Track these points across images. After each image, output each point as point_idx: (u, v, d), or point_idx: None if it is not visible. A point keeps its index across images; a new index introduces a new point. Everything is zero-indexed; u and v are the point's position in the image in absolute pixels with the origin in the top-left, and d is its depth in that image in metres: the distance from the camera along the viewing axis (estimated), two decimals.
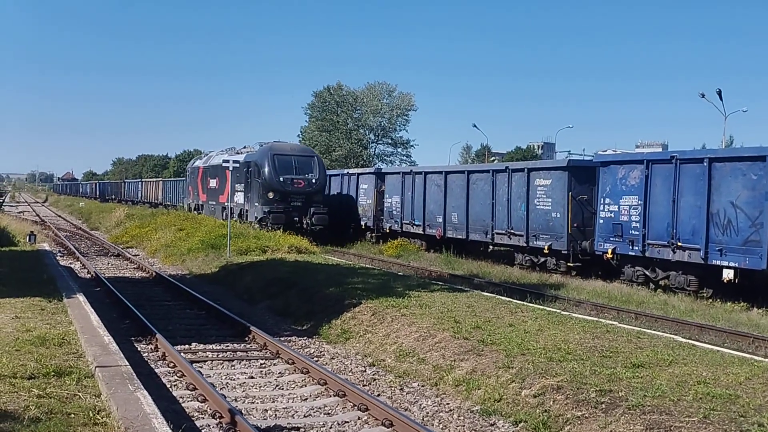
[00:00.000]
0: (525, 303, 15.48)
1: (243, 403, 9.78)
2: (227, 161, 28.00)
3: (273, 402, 9.87)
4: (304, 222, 33.22)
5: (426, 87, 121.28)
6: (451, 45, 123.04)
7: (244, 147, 38.73)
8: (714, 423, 7.60)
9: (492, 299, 15.69)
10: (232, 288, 20.50)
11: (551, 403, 8.92)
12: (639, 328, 12.89)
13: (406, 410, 9.64)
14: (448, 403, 9.89)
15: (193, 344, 13.23)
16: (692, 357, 10.24)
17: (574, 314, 13.98)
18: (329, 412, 9.48)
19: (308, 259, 23.83)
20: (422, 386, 10.73)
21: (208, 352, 12.71)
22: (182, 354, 12.02)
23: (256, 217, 33.86)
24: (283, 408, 9.58)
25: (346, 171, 41.25)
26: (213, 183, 40.22)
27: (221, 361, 12.05)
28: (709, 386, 8.68)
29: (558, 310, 14.43)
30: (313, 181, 34.23)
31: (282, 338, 13.86)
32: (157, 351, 12.46)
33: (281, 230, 31.03)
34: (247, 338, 13.75)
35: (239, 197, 35.89)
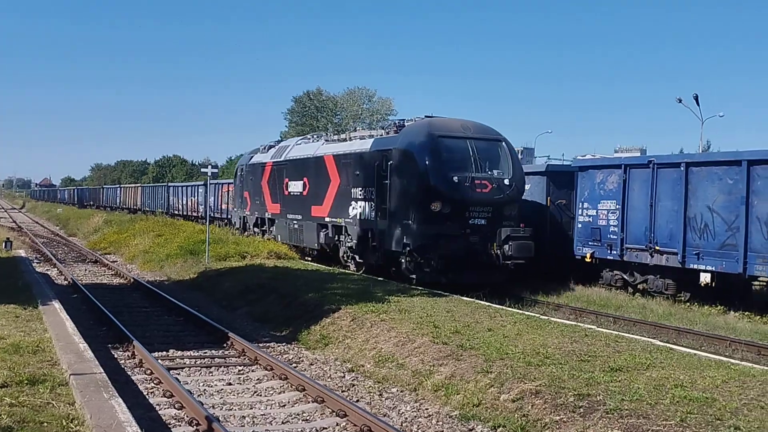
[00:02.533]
0: (504, 307, 15.52)
1: (220, 410, 9.69)
2: (335, 151, 21.87)
3: (251, 409, 9.79)
4: (492, 251, 19.18)
5: (404, 92, 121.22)
6: (429, 50, 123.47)
7: (355, 130, 25.53)
8: (691, 426, 7.63)
9: (471, 304, 15.70)
10: (210, 294, 20.37)
11: (530, 407, 8.92)
12: (617, 332, 12.98)
13: (384, 416, 9.60)
14: (426, 409, 9.86)
15: (171, 351, 13.11)
16: (669, 360, 10.30)
17: (552, 318, 14.01)
18: (307, 418, 9.43)
19: (288, 265, 23.73)
20: (401, 391, 10.69)
21: (185, 359, 12.61)
22: (159, 361, 11.91)
23: (406, 245, 19.37)
24: (261, 415, 9.50)
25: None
26: (296, 187, 25.97)
27: (199, 368, 11.96)
28: (686, 390, 8.73)
29: (537, 315, 14.46)
30: (506, 182, 19.67)
31: (260, 344, 13.78)
32: (134, 358, 12.34)
33: (454, 271, 19.24)
34: (225, 344, 13.65)
35: (359, 209, 21.38)
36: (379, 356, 12.22)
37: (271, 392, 10.64)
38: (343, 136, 24.91)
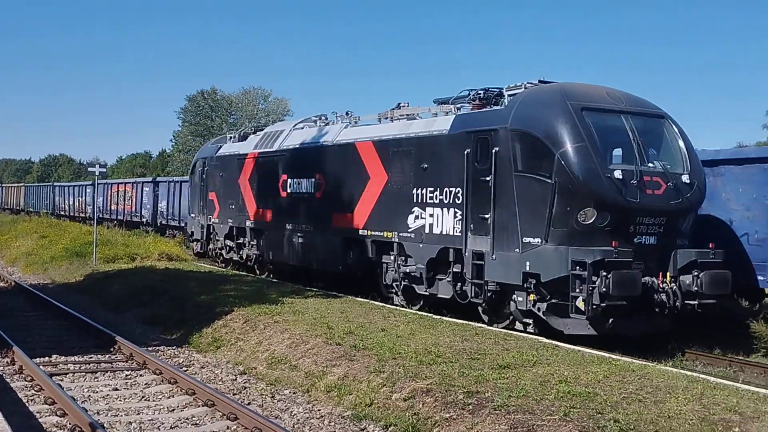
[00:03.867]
0: (397, 308, 15.65)
1: (106, 416, 9.40)
2: (377, 135, 16.71)
3: (138, 414, 9.53)
4: (664, 285, 12.78)
5: (302, 92, 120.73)
6: (327, 50, 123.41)
7: (399, 107, 17.52)
8: (573, 420, 7.86)
9: (366, 305, 15.74)
10: (98, 297, 19.73)
11: (421, 405, 9.00)
12: (506, 330, 13.29)
13: (276, 418, 9.53)
14: (319, 410, 9.84)
15: (54, 356, 12.64)
16: (555, 357, 10.60)
17: (445, 318, 14.19)
18: (197, 422, 9.26)
19: (180, 267, 23.25)
20: (294, 393, 10.64)
21: (69, 365, 12.18)
22: (41, 367, 11.46)
23: (529, 276, 13.05)
24: (149, 420, 9.26)
25: None
26: (300, 186, 19.54)
27: (84, 374, 11.56)
28: (570, 385, 8.99)
29: (430, 315, 14.60)
30: (684, 180, 13.28)
31: (150, 348, 13.44)
32: (14, 364, 11.83)
33: (618, 317, 12.51)
34: (112, 349, 13.26)
35: (427, 219, 15.22)
36: (272, 358, 12.12)
37: (159, 397, 10.38)
38: (385, 113, 17.68)
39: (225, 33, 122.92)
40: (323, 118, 20.42)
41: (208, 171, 24.74)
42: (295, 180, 19.81)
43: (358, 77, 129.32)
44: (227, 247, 23.41)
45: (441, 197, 14.81)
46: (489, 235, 13.54)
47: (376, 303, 16.23)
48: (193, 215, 26.23)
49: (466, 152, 14.13)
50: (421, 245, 15.24)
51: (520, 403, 8.46)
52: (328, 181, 18.40)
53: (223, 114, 71.45)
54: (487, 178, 13.61)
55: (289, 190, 19.97)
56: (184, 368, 12.11)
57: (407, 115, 16.92)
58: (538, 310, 12.91)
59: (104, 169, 27.94)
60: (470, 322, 13.71)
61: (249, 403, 10.11)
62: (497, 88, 14.97)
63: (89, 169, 27.59)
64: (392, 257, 16.09)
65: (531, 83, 14.15)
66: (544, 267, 12.59)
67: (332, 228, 18.06)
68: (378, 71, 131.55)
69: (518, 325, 13.68)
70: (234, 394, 10.58)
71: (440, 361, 10.33)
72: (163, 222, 38.70)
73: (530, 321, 13.39)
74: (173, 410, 9.73)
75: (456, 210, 14.41)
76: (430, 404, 8.95)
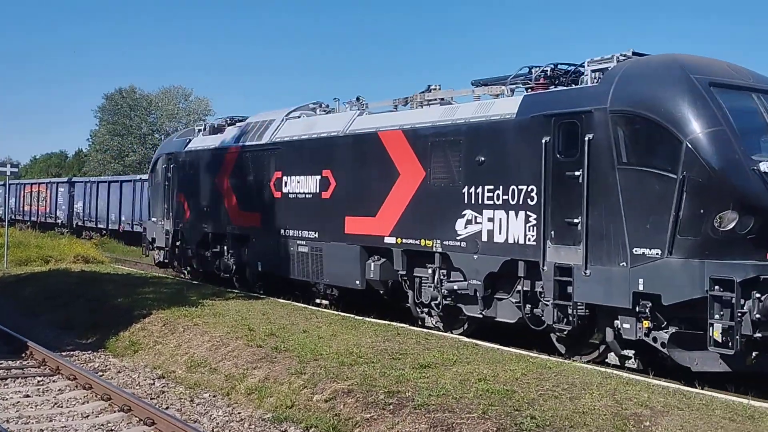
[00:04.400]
0: (320, 309, 15.60)
1: (16, 424, 9.09)
2: (408, 122, 14.16)
3: (50, 421, 9.26)
4: None
5: (223, 91, 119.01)
6: (248, 49, 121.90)
7: (429, 90, 14.96)
8: (492, 418, 7.98)
9: (287, 306, 15.64)
10: (8, 301, 19.06)
11: (342, 406, 9.02)
12: (428, 330, 13.34)
13: (195, 422, 9.39)
14: (239, 413, 9.76)
15: None
16: (475, 356, 10.73)
17: (367, 318, 14.19)
18: (112, 428, 9.05)
19: (97, 269, 22.68)
20: (214, 396, 10.50)
21: None
22: None
23: (641, 297, 10.42)
24: (62, 427, 9.01)
25: None
26: (302, 185, 16.79)
27: None
28: (489, 383, 9.11)
29: (352, 315, 14.58)
30: None
31: (63, 353, 13.06)
32: None
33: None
34: (23, 354, 12.85)
35: (484, 224, 12.65)
36: (191, 361, 11.95)
37: (73, 403, 10.11)
38: (409, 98, 15.20)
39: (143, 31, 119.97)
40: (323, 105, 18.09)
41: (175, 168, 21.66)
42: (293, 178, 16.91)
43: (282, 76, 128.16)
44: (199, 257, 20.57)
45: (505, 197, 12.20)
46: (579, 244, 11.00)
47: (298, 304, 16.02)
48: (154, 219, 23.04)
49: (543, 141, 11.55)
50: (475, 256, 12.59)
51: (440, 401, 8.53)
52: (339, 179, 15.59)
53: (142, 113, 70.19)
54: (576, 173, 11.09)
55: (285, 190, 17.09)
56: (100, 373, 11.82)
57: (440, 99, 14.46)
58: (654, 340, 10.32)
59: (16, 169, 26.71)
60: (392, 323, 13.71)
61: (167, 408, 9.94)
62: (569, 64, 12.78)
63: (0, 169, 26.28)
64: (430, 271, 13.53)
65: (624, 55, 11.64)
66: (667, 286, 10.05)
67: (345, 235, 15.26)
68: (301, 69, 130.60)
69: (611, 359, 11.62)
70: (151, 399, 10.38)
71: (362, 361, 10.34)
72: (80, 223, 37.72)
73: (631, 353, 11.26)
74: (87, 416, 9.49)
75: (528, 213, 11.80)
76: (351, 405, 8.96)
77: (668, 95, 10.52)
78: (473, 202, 12.73)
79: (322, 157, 16.01)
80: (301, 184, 16.69)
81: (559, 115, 11.52)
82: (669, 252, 10.05)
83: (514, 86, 13.09)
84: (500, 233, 12.26)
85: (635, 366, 11.16)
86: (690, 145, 10.07)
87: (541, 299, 11.67)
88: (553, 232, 11.46)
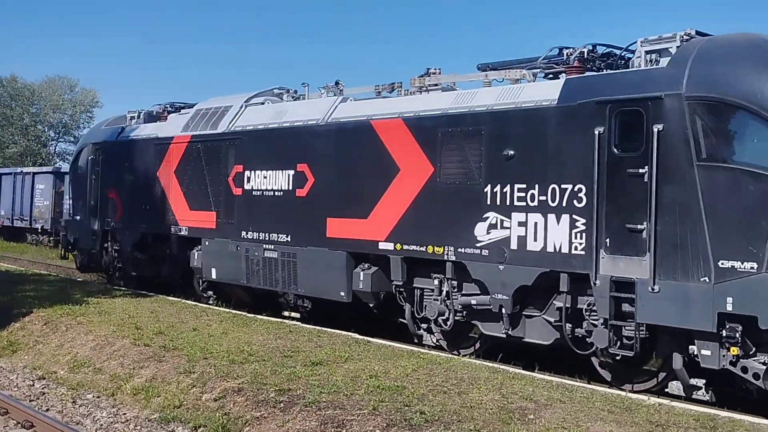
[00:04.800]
0: (211, 306, 15.40)
1: None
2: (412, 109, 12.59)
3: None
4: None
5: (111, 82, 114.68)
6: (136, 40, 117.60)
7: (426, 75, 13.48)
8: (382, 414, 8.09)
9: (177, 304, 15.40)
10: None
11: (232, 405, 8.95)
12: (321, 327, 13.23)
13: (77, 424, 9.15)
14: (125, 413, 9.56)
15: None
16: (366, 353, 10.83)
17: (259, 316, 14.09)
18: None
19: None
20: (98, 397, 10.24)
21: None
22: None
23: (742, 323, 8.92)
24: None
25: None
26: (269, 180, 15.04)
27: None
28: (380, 379, 9.22)
29: (244, 313, 14.44)
30: None
31: None
32: None
33: None
34: None
35: (512, 229, 11.08)
36: (74, 361, 11.63)
37: None
38: (413, 81, 13.53)
39: (24, 18, 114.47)
40: (291, 91, 16.44)
41: (105, 161, 19.42)
42: (258, 173, 15.00)
43: (171, 69, 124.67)
44: (135, 261, 18.66)
45: (543, 198, 10.68)
46: (644, 255, 9.61)
47: (188, 302, 15.75)
48: (78, 217, 20.55)
49: (596, 132, 10.11)
50: (501, 267, 11.04)
51: (331, 398, 8.59)
52: (319, 175, 13.83)
53: (24, 103, 67.30)
54: (640, 171, 9.71)
55: (247, 186, 15.19)
56: None
57: (442, 85, 13.08)
58: (744, 370, 8.98)
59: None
60: (284, 320, 13.65)
61: (47, 410, 9.66)
62: (607, 45, 11.54)
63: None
64: (437, 282, 12.13)
65: (687, 35, 10.24)
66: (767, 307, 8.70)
67: (328, 240, 13.50)
68: (184, 63, 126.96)
69: (673, 388, 10.29)
70: (31, 401, 10.07)
71: (252, 359, 10.28)
72: None
73: (701, 382, 9.84)
74: None
75: (574, 216, 10.32)
76: (241, 403, 8.91)
77: (765, 79, 9.11)
78: (499, 203, 11.15)
79: (297, 149, 14.21)
80: (269, 180, 14.79)
81: (618, 102, 10.03)
82: None
83: (536, 70, 11.84)
84: (535, 240, 10.70)
85: (707, 398, 9.79)
86: None
87: (587, 318, 10.29)
88: (608, 240, 9.94)
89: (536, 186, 10.73)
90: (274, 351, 10.81)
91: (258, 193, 14.98)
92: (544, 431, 7.59)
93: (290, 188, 14.28)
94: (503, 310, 10.99)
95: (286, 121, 14.68)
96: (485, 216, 11.28)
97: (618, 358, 9.99)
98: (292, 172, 14.31)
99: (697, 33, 10.30)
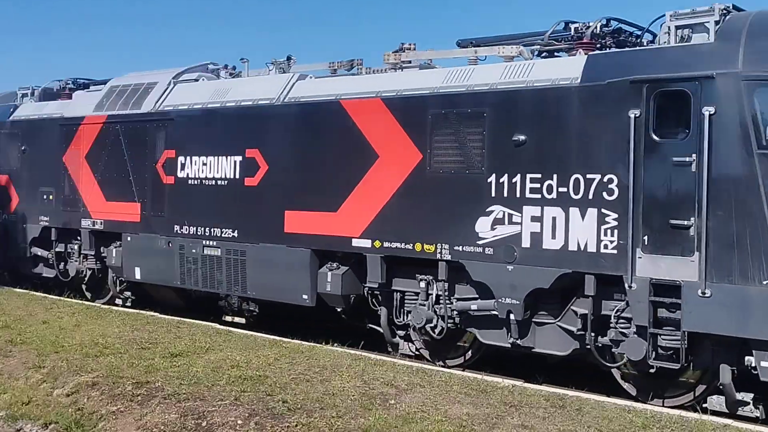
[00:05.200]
0: (63, 299, 16.83)
1: None
2: (393, 88, 13.30)
3: None
4: None
5: None
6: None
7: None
8: (244, 404, 9.56)
9: (25, 296, 16.82)
10: None
11: (85, 400, 10.21)
12: (180, 318, 14.91)
13: None
14: None
15: None
16: (228, 343, 12.53)
17: (114, 307, 15.74)
18: None
19: None
20: None
21: None
22: None
23: None
24: None
25: None
26: (209, 168, 15.59)
27: None
28: (242, 369, 10.87)
29: (99, 304, 16.01)
30: None
31: None
32: None
33: None
34: None
35: (526, 225, 11.72)
36: None
37: None
38: (387, 57, 14.36)
39: None
40: (228, 67, 17.52)
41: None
42: (195, 159, 15.74)
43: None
44: (34, 259, 19.47)
45: (563, 189, 11.39)
46: (693, 254, 10.33)
47: (37, 294, 17.46)
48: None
49: (631, 116, 10.84)
50: (510, 267, 11.82)
51: (192, 390, 10.03)
52: (273, 162, 14.58)
53: None
54: (687, 159, 10.41)
55: (182, 175, 15.94)
56: None
57: (419, 63, 14.14)
58: None
59: None
60: (142, 312, 15.59)
61: None
62: (619, 20, 12.50)
63: None
64: (424, 284, 12.90)
65: (725, 9, 10.96)
66: None
67: (286, 235, 14.34)
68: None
69: (713, 403, 11.10)
70: None
71: (108, 352, 11.71)
72: None
73: (749, 397, 10.69)
74: None
75: (604, 211, 11.04)
76: (96, 398, 10.19)
77: None
78: (506, 195, 11.88)
79: (245, 132, 15.06)
80: (210, 167, 15.51)
81: (658, 82, 10.72)
82: None
83: (531, 47, 12.82)
84: (553, 237, 11.41)
85: (757, 415, 10.56)
86: None
87: (616, 326, 11.09)
88: (647, 237, 10.65)
89: (554, 176, 11.46)
90: (130, 343, 12.26)
91: (195, 182, 15.75)
92: (404, 415, 9.13)
93: (237, 177, 15.08)
94: (511, 317, 11.76)
95: (230, 100, 15.55)
96: (489, 210, 12.00)
97: (652, 370, 10.78)
98: (239, 158, 15.07)
99: (734, 7, 11.11)
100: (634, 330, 10.76)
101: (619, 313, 10.97)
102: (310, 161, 14.09)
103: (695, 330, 10.21)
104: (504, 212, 11.79)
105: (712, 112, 10.14)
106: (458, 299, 12.50)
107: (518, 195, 11.71)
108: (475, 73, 12.67)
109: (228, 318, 16.48)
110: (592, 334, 11.17)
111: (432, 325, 12.75)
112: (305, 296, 13.99)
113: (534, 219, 11.53)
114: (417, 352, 13.41)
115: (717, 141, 10.07)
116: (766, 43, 10.23)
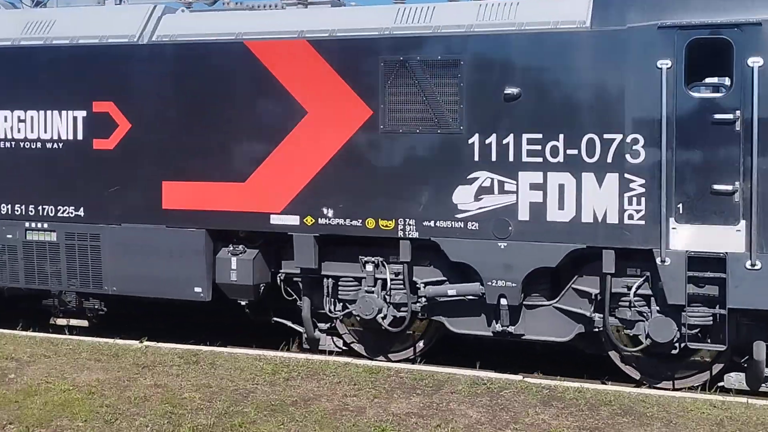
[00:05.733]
0: None
1: None
2: (327, 28, 11.13)
3: None
4: None
5: None
6: None
7: None
8: None
9: None
10: None
11: None
12: None
13: None
14: None
15: None
16: None
17: None
18: None
19: None
20: None
21: None
22: None
23: None
24: None
25: None
26: (29, 127, 12.43)
27: None
28: None
29: None
30: None
31: None
32: None
33: None
34: None
35: (545, 191, 10.30)
36: None
37: None
38: None
39: None
40: None
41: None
42: (7, 114, 12.50)
43: None
44: None
45: (572, 151, 10.07)
46: (738, 222, 9.61)
47: None
48: None
49: (662, 67, 9.72)
50: (503, 244, 10.38)
51: None
52: (138, 119, 11.89)
53: None
54: (729, 117, 9.57)
55: None
56: None
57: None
58: None
59: None
60: None
61: None
62: None
63: None
64: (370, 267, 11.18)
65: None
66: None
67: (165, 213, 11.84)
68: None
69: (732, 382, 10.36)
70: None
71: None
72: None
73: None
74: None
75: (628, 176, 9.90)
76: None
77: None
78: (495, 159, 10.33)
79: (91, 79, 12.02)
80: (32, 126, 12.31)
81: (694, 28, 9.66)
82: None
83: None
84: (562, 208, 10.09)
85: None
86: None
87: (634, 305, 10.09)
88: (681, 206, 9.68)
89: (560, 136, 10.06)
90: None
91: (6, 145, 12.42)
92: (26, 389, 9.02)
93: (80, 138, 12.04)
94: (503, 302, 10.41)
95: (58, 36, 12.31)
96: (472, 177, 10.42)
97: (675, 351, 10.01)
98: (82, 113, 12.04)
99: None
100: (657, 309, 9.83)
101: (638, 290, 9.93)
102: (200, 119, 11.48)
103: (743, 306, 9.46)
104: (492, 179, 10.28)
105: (761, 65, 9.28)
106: (427, 284, 10.83)
107: (512, 159, 10.19)
108: (440, 11, 10.85)
109: (61, 321, 13.04)
110: (600, 316, 10.12)
111: (382, 315, 11.01)
112: (198, 289, 11.64)
113: (534, 187, 10.11)
114: (344, 348, 11.71)
115: (766, 96, 9.25)
116: None
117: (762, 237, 9.28)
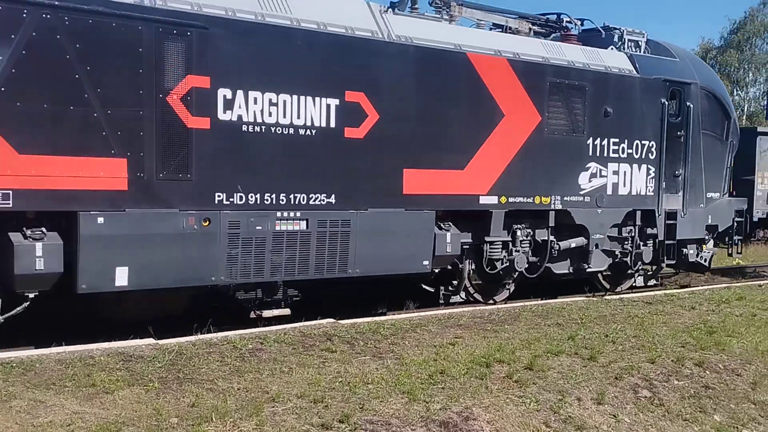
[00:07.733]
0: None
1: None
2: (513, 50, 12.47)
3: None
4: None
5: None
6: None
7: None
8: None
9: None
10: None
11: None
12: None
13: None
14: None
15: None
16: None
17: None
18: None
19: None
20: None
21: None
22: None
23: None
24: None
25: None
26: (286, 108, 9.39)
27: None
28: None
29: None
30: None
31: None
32: None
33: None
34: None
35: (618, 175, 15.64)
36: None
37: None
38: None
39: None
40: None
41: None
42: (258, 96, 11.25)
43: None
44: None
45: (630, 151, 15.80)
46: (679, 192, 16.69)
47: None
48: None
49: (662, 102, 16.19)
50: (599, 210, 15.51)
51: None
52: (385, 111, 12.46)
53: None
54: (680, 133, 16.55)
55: (226, 117, 11.01)
56: None
57: (510, 29, 15.66)
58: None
59: None
60: None
61: None
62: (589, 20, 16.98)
63: None
64: (521, 232, 14.65)
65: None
66: None
67: (405, 198, 12.82)
68: None
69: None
70: None
71: None
72: None
73: None
74: None
75: (649, 166, 16.11)
76: None
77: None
78: (599, 154, 15.26)
79: (342, 69, 12.15)
80: (284, 110, 11.54)
81: (671, 82, 16.29)
82: None
83: (534, 26, 16.00)
84: (625, 186, 15.78)
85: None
86: None
87: (637, 242, 16.23)
88: (664, 184, 16.48)
89: (626, 141, 15.83)
90: None
91: (256, 128, 11.43)
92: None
93: (332, 126, 12.14)
94: (596, 248, 15.61)
95: (305, 19, 11.93)
96: (588, 166, 15.27)
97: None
98: (335, 101, 12.13)
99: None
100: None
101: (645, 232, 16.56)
102: (433, 114, 13.11)
103: (680, 237, 16.84)
104: (597, 168, 15.38)
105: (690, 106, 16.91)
106: (558, 241, 15.16)
107: (606, 154, 15.48)
108: (566, 50, 15.18)
109: (267, 313, 11.92)
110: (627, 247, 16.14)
111: (522, 268, 14.77)
112: (426, 262, 13.34)
113: (614, 173, 15.68)
114: (469, 298, 14.73)
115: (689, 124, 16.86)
116: (704, 68, 18.52)
117: (690, 198, 16.84)
